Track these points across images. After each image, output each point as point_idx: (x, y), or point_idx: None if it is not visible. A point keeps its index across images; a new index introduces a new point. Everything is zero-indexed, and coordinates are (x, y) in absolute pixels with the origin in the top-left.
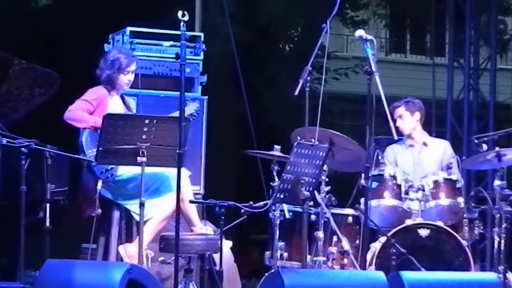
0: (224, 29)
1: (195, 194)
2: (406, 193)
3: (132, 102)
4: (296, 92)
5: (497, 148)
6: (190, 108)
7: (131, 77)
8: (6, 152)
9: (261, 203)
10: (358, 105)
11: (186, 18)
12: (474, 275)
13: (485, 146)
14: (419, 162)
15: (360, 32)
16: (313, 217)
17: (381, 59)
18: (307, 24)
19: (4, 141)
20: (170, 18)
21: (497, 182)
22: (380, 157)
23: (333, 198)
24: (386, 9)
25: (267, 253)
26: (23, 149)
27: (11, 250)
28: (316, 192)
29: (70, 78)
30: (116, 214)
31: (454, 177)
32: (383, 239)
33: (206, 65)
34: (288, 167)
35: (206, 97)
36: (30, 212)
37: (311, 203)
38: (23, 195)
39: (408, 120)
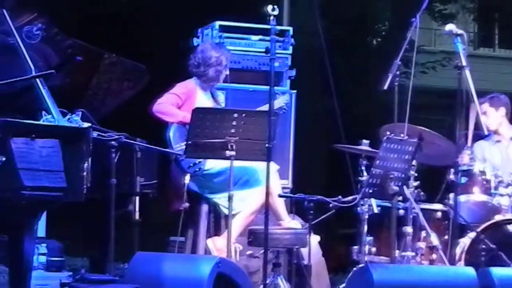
0: (312, 23)
1: (283, 188)
2: (496, 188)
3: (221, 96)
4: (385, 87)
5: None
6: (280, 101)
7: (223, 71)
8: (97, 146)
9: (350, 198)
10: (445, 99)
11: (275, 12)
12: None
13: None
14: (507, 158)
15: (450, 27)
16: (401, 212)
17: (469, 53)
18: (394, 18)
19: (95, 134)
20: (258, 12)
21: None
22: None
23: (421, 193)
24: (474, 3)
25: (355, 248)
26: (113, 142)
27: (101, 243)
28: (404, 187)
29: (159, 72)
30: (205, 207)
31: None
32: (472, 234)
33: (294, 59)
34: (377, 161)
35: (295, 91)
36: (119, 205)
37: (400, 198)
38: (113, 188)
39: (492, 116)
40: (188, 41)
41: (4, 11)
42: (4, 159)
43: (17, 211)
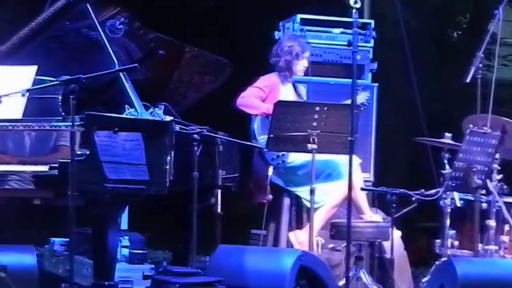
0: (393, 16)
1: (365, 181)
2: None
3: (302, 89)
4: (468, 79)
5: None
6: (361, 98)
7: (306, 63)
8: (179, 139)
9: (433, 191)
10: None
11: (358, 5)
12: None
13: None
14: None
15: None
16: (484, 205)
17: None
18: (476, 10)
19: (177, 128)
20: (340, 5)
21: None
22: None
23: (505, 187)
24: None
25: (437, 241)
26: (195, 136)
27: (183, 236)
28: (488, 180)
29: (241, 65)
30: (287, 200)
31: None
32: None
33: (375, 52)
34: (460, 155)
35: (377, 84)
36: (201, 198)
37: (483, 191)
38: (195, 182)
39: None
40: (270, 34)
41: (88, 5)
42: (88, 152)
43: (101, 204)
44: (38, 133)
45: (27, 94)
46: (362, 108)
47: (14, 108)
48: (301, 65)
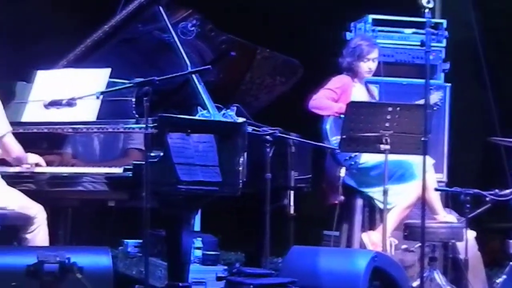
0: (466, 15)
1: (438, 182)
2: None
3: (374, 90)
4: None
5: None
6: (434, 98)
7: (371, 65)
8: (251, 140)
9: (507, 191)
10: None
11: (430, 5)
12: None
13: None
14: None
15: None
16: None
17: None
18: None
19: (250, 129)
20: (411, 5)
21: None
22: None
23: None
24: None
25: (511, 241)
26: (267, 137)
27: (256, 237)
28: None
29: (312, 66)
30: (359, 201)
31: None
32: None
33: (448, 52)
34: None
35: (449, 84)
36: (274, 199)
37: None
38: (268, 183)
39: None
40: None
41: (160, 8)
42: (161, 154)
43: (174, 205)
44: (111, 136)
45: (101, 96)
46: (435, 108)
47: (89, 111)
48: (365, 67)
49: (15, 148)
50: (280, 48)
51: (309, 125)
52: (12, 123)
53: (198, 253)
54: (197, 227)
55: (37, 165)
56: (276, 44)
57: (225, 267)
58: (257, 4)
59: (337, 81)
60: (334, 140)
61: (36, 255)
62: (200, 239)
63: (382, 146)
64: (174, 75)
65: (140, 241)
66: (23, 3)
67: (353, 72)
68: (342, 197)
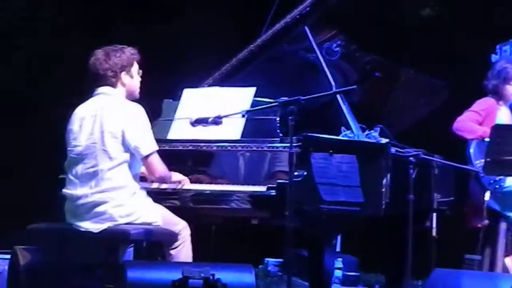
0: None
1: None
2: None
3: None
4: None
5: None
6: None
7: (505, 86)
8: (395, 162)
9: None
10: None
11: None
12: None
13: None
14: None
15: None
16: None
17: None
18: None
19: (393, 150)
20: None
21: None
22: None
23: None
24: None
25: None
26: (411, 158)
27: (397, 259)
28: None
29: (459, 88)
30: (503, 225)
31: None
32: None
33: None
34: None
35: None
36: (416, 221)
37: None
38: (411, 205)
39: None
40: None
41: (306, 28)
42: (305, 173)
43: (317, 225)
44: (257, 156)
45: (246, 115)
46: None
47: (234, 129)
48: (511, 90)
49: (159, 168)
50: (425, 69)
51: (453, 147)
52: (158, 140)
53: (339, 273)
54: (337, 247)
55: (180, 183)
56: (421, 65)
57: None
58: (404, 24)
59: (482, 104)
60: (478, 163)
61: (181, 270)
62: (340, 259)
63: None
64: (319, 94)
65: (281, 260)
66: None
67: (498, 95)
68: (486, 221)
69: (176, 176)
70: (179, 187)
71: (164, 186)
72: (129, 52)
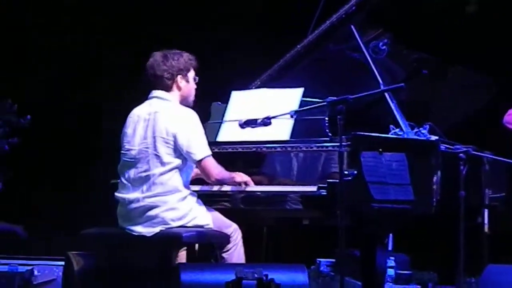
0: None
1: None
2: None
3: None
4: None
5: None
6: None
7: None
8: (445, 158)
9: None
10: None
11: None
12: None
13: None
14: None
15: None
16: None
17: None
18: None
19: (443, 147)
20: None
21: None
22: None
23: None
24: None
25: None
26: (461, 155)
27: (449, 256)
28: None
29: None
30: None
31: None
32: None
33: None
34: None
35: None
36: (468, 218)
37: None
38: (462, 201)
39: None
40: None
41: (353, 27)
42: (355, 172)
43: (369, 224)
44: (309, 157)
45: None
46: None
47: (283, 130)
48: None
49: (214, 171)
50: (472, 64)
51: (505, 142)
52: (208, 143)
53: (391, 272)
54: (389, 246)
55: (245, 184)
56: (468, 60)
57: (418, 287)
58: (450, 20)
59: None
60: None
61: (234, 272)
62: (392, 258)
63: None
64: (367, 93)
65: (333, 260)
66: (221, 28)
67: None
68: None
69: (240, 176)
70: (243, 187)
71: (226, 188)
72: (187, 57)
